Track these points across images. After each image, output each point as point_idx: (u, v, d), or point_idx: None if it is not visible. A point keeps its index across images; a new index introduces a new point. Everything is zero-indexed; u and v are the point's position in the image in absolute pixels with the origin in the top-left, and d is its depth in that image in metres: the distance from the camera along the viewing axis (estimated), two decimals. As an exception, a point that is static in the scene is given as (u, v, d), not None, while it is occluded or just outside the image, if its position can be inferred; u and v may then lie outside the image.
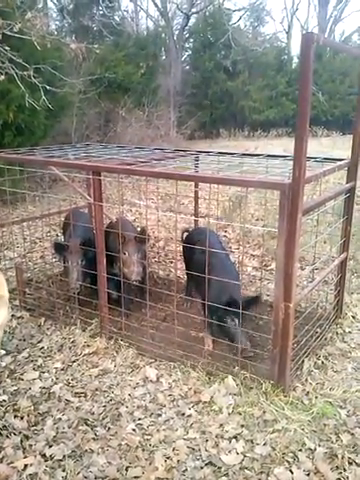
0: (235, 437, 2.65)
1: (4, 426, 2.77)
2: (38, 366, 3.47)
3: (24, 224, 6.62)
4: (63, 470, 2.45)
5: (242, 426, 2.73)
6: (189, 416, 2.85)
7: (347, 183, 3.66)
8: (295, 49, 24.62)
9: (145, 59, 16.00)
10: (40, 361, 3.52)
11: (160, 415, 2.88)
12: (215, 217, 6.12)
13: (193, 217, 4.91)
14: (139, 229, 4.36)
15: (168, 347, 3.46)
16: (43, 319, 4.12)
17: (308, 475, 2.36)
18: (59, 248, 4.23)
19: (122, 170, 3.29)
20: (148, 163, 3.50)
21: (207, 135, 21.01)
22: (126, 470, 2.46)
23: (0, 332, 3.45)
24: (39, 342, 3.80)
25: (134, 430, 2.74)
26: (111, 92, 14.35)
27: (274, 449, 2.54)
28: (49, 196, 4.96)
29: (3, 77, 7.16)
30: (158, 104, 16.90)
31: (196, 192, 4.67)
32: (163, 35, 18.90)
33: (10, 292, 4.45)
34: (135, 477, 2.39)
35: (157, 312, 4.06)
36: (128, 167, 3.27)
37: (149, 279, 4.84)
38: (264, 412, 2.81)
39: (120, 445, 2.63)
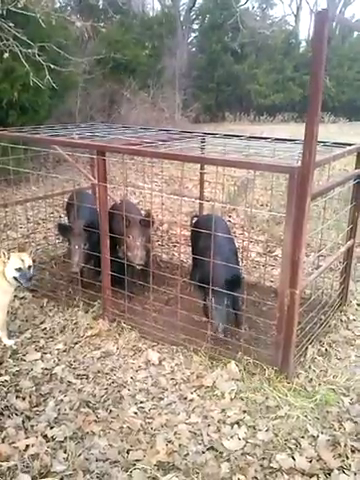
0: (237, 423, 2.64)
1: (6, 406, 2.76)
2: (40, 347, 3.45)
3: (27, 205, 6.58)
4: (64, 451, 2.44)
5: (244, 412, 2.72)
6: (191, 400, 2.84)
7: (356, 168, 3.60)
8: (303, 33, 24.32)
9: (151, 40, 15.78)
10: (42, 342, 3.51)
11: (162, 399, 2.87)
12: (220, 201, 6.04)
13: (198, 201, 4.84)
14: (144, 212, 4.31)
15: (171, 331, 3.43)
16: (46, 300, 4.11)
17: (310, 462, 2.35)
18: (63, 230, 4.19)
19: (128, 150, 3.23)
20: (154, 144, 3.44)
21: (212, 118, 20.79)
22: (127, 453, 2.45)
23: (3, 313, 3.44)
24: (41, 323, 3.79)
25: (136, 413, 2.73)
26: (116, 73, 14.17)
27: (276, 435, 2.53)
28: (53, 176, 4.92)
29: (7, 55, 7.05)
30: (163, 86, 16.71)
31: (201, 175, 4.60)
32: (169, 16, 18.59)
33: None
34: (136, 460, 2.38)
35: (160, 295, 4.03)
36: (134, 148, 3.21)
37: (153, 263, 4.82)
38: (267, 398, 2.80)
39: (122, 428, 2.62)
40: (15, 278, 3.26)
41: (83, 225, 4.01)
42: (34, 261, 4.78)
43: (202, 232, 3.42)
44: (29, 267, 3.30)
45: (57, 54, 8.20)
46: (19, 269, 3.25)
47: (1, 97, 7.81)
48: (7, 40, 7.32)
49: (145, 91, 15.33)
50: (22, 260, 3.27)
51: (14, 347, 3.43)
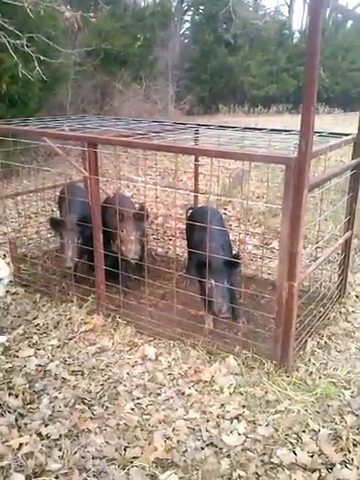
0: (237, 417, 2.59)
1: (-1, 404, 2.70)
2: (33, 343, 3.39)
3: (18, 198, 6.48)
4: (59, 449, 2.38)
5: (244, 406, 2.66)
6: (189, 396, 2.78)
7: (353, 159, 3.54)
8: (297, 24, 24.14)
9: (142, 31, 15.60)
10: (35, 338, 3.44)
11: (159, 394, 2.81)
12: (215, 194, 5.97)
13: (192, 193, 4.77)
14: (138, 206, 4.23)
15: (167, 325, 3.37)
16: (39, 295, 4.03)
17: (312, 457, 2.30)
18: (55, 224, 4.10)
19: (119, 142, 3.15)
20: (146, 136, 3.36)
21: (206, 111, 20.64)
22: (124, 450, 2.39)
23: None
24: (34, 319, 3.72)
25: (133, 409, 2.67)
26: (107, 64, 14.01)
27: (277, 430, 2.48)
28: (44, 170, 4.82)
29: (-6, 45, 6.91)
30: (156, 78, 16.55)
31: (196, 167, 4.53)
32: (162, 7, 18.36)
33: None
34: (134, 457, 2.33)
35: (156, 289, 3.96)
36: (125, 139, 3.13)
37: (147, 256, 4.75)
38: (266, 392, 2.75)
39: (118, 425, 2.56)
40: None
41: (76, 219, 3.93)
42: (26, 256, 4.75)
43: (197, 224, 3.35)
44: None
45: (46, 45, 8.06)
46: None
47: (-11, 90, 7.68)
48: (-6, 30, 7.17)
49: (137, 83, 15.17)
50: None
51: (6, 344, 3.35)
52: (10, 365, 3.11)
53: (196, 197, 4.66)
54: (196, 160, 4.49)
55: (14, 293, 4.11)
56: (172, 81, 18.25)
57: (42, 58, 7.47)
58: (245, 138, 3.75)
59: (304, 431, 2.46)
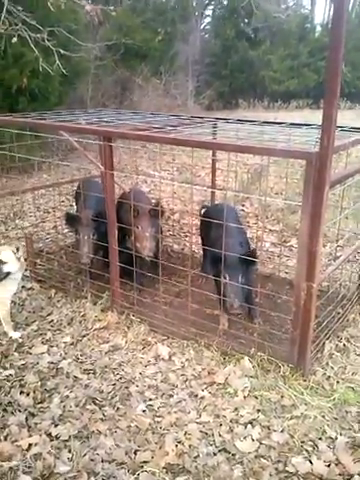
0: (251, 422, 2.50)
1: (9, 402, 2.66)
2: (47, 340, 3.36)
3: (37, 193, 6.48)
4: (69, 451, 2.33)
5: (258, 411, 2.58)
6: (202, 398, 2.71)
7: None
8: (319, 17, 23.66)
9: (163, 25, 15.48)
10: (49, 335, 3.41)
11: (172, 396, 2.74)
12: (233, 190, 5.87)
13: (210, 189, 4.68)
14: (154, 201, 4.16)
15: (181, 324, 3.30)
16: (53, 291, 4.00)
17: (328, 466, 2.21)
18: (70, 220, 4.05)
19: (134, 136, 3.08)
20: (162, 129, 3.28)
21: (225, 105, 20.44)
22: (135, 454, 2.33)
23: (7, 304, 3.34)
24: (49, 315, 3.69)
25: (144, 411, 2.61)
26: (128, 59, 13.97)
27: (292, 437, 2.39)
28: (63, 164, 4.78)
29: (15, 39, 6.90)
30: (175, 73, 16.44)
31: (213, 162, 4.43)
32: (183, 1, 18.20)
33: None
34: (144, 462, 2.26)
35: (171, 287, 3.89)
36: (141, 133, 3.06)
37: (163, 253, 4.68)
38: (282, 397, 2.66)
39: (129, 427, 2.51)
40: None
41: (91, 215, 3.88)
42: (41, 251, 4.73)
43: (212, 222, 3.27)
44: (0, 262, 3.11)
45: (67, 39, 8.04)
46: None
47: (10, 83, 7.70)
48: (16, 25, 7.15)
49: (157, 78, 15.08)
50: None
51: (20, 340, 3.33)
52: (23, 362, 3.08)
53: (213, 193, 4.57)
54: (213, 155, 4.40)
55: (29, 288, 4.10)
56: (192, 76, 18.10)
57: (62, 52, 7.43)
58: (264, 132, 3.64)
59: (321, 438, 2.37)
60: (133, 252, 3.51)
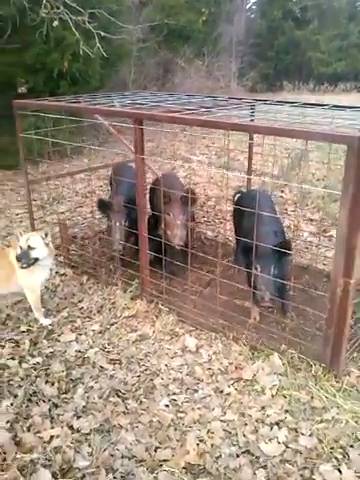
0: (277, 423, 2.38)
1: (34, 392, 2.65)
2: (76, 327, 3.33)
3: (75, 178, 6.49)
4: (89, 445, 2.29)
5: (286, 411, 2.45)
6: (228, 394, 2.61)
7: None
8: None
9: (207, 5, 15.11)
10: (79, 322, 3.38)
11: (196, 391, 2.65)
12: (271, 175, 5.66)
13: (246, 175, 4.51)
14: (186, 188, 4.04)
15: (210, 315, 3.19)
16: (86, 278, 3.98)
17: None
18: (103, 206, 3.99)
19: (164, 117, 2.96)
20: (195, 111, 3.14)
21: (269, 88, 19.93)
22: (155, 451, 2.26)
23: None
24: (79, 302, 3.67)
25: (167, 406, 2.54)
26: (171, 41, 13.77)
27: (321, 442, 2.26)
28: (94, 148, 4.71)
29: (57, 23, 6.87)
30: (219, 54, 16.10)
31: (250, 146, 4.25)
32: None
33: (55, 249, 4.35)
34: (164, 460, 2.19)
35: (202, 276, 3.79)
36: (171, 115, 2.94)
37: (196, 240, 4.57)
38: (312, 398, 2.51)
39: (151, 422, 2.44)
40: (16, 256, 3.09)
41: (123, 201, 3.80)
42: (74, 237, 4.72)
43: (244, 210, 3.12)
44: (29, 247, 3.08)
45: (108, 21, 7.94)
46: (20, 247, 3.10)
47: (52, 67, 7.68)
48: (57, 8, 7.11)
49: (200, 59, 14.81)
50: (27, 239, 3.10)
51: (50, 327, 3.32)
52: (51, 350, 3.06)
53: (249, 179, 4.40)
54: (250, 138, 4.22)
55: (63, 274, 4.09)
56: (236, 57, 17.69)
57: (103, 34, 7.34)
58: (305, 114, 3.44)
59: (352, 446, 2.22)
60: (163, 240, 3.41)
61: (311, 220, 5.13)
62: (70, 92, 7.95)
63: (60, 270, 4.13)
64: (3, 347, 3.06)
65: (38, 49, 7.32)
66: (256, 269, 2.99)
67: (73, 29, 7.11)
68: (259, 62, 19.68)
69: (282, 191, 5.99)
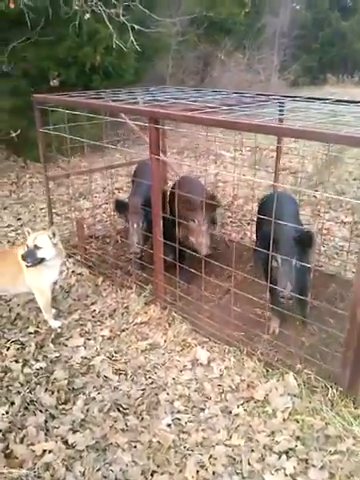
0: (286, 452, 2.18)
1: (32, 400, 2.54)
2: (85, 332, 3.22)
3: (105, 173, 6.39)
4: (81, 464, 2.16)
5: (297, 438, 2.25)
6: (236, 416, 2.42)
7: None
8: None
9: (250, -3, 14.73)
10: (89, 326, 3.27)
11: (203, 410, 2.48)
12: (304, 174, 5.37)
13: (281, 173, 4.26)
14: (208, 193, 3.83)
15: (225, 327, 3.00)
16: (101, 279, 3.86)
17: None
18: (121, 207, 3.82)
19: (180, 117, 2.78)
20: (216, 109, 2.94)
21: (312, 81, 19.28)
22: (151, 475, 2.11)
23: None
24: (92, 304, 3.56)
25: (169, 425, 2.38)
26: (211, 34, 13.47)
27: (333, 476, 2.05)
28: (115, 148, 4.57)
29: (88, 15, 6.76)
30: (261, 47, 15.66)
31: (278, 147, 4.01)
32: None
33: (74, 247, 4.27)
34: (159, 486, 2.04)
35: (223, 281, 3.59)
36: (186, 114, 2.75)
37: (220, 243, 4.38)
38: (327, 424, 2.29)
39: (151, 442, 2.29)
40: (21, 255, 2.98)
41: (141, 202, 3.64)
42: (91, 236, 4.60)
43: (265, 213, 2.91)
44: (35, 247, 2.97)
45: (143, 14, 7.78)
46: (27, 246, 2.99)
47: (84, 61, 7.60)
48: (91, 0, 7.02)
49: (240, 52, 14.44)
50: (34, 238, 2.98)
51: (59, 330, 3.22)
52: (57, 354, 2.96)
53: (276, 179, 4.16)
54: (279, 139, 3.98)
55: (79, 274, 4.00)
56: (278, 50, 17.16)
57: (136, 27, 7.19)
58: (336, 113, 3.17)
59: (368, 484, 2.00)
60: (177, 245, 3.23)
61: (344, 223, 4.82)
62: (102, 86, 7.84)
63: (77, 269, 4.04)
64: (8, 349, 2.98)
65: (70, 42, 7.24)
66: (276, 262, 2.78)
67: (107, 22, 7.00)
68: (302, 54, 19.05)
69: (316, 190, 5.68)
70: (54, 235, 3.03)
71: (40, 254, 2.97)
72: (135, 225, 3.69)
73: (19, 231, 4.92)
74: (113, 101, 3.61)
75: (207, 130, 3.01)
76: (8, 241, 4.72)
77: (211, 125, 2.67)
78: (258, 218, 3.47)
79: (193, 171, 6.38)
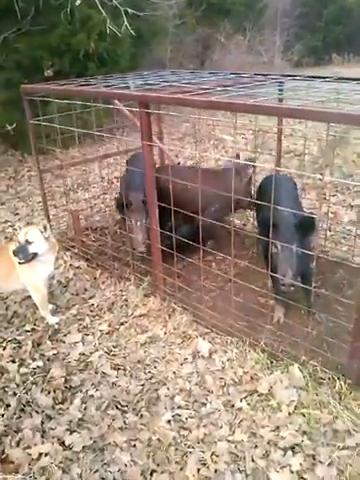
0: (292, 448, 2.08)
1: (28, 401, 2.45)
2: (84, 327, 3.13)
3: (104, 162, 6.27)
4: (79, 466, 2.07)
5: (304, 433, 2.14)
6: (239, 410, 2.32)
7: None
8: None
9: (250, -25, 14.40)
10: (87, 321, 3.18)
11: (204, 404, 2.38)
12: (310, 156, 5.20)
13: (286, 155, 4.12)
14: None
15: (227, 317, 2.89)
16: (99, 271, 3.76)
17: None
18: (123, 207, 3.57)
19: (170, 99, 2.64)
20: (209, 91, 2.80)
21: (317, 62, 18.84)
22: (151, 475, 2.02)
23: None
24: (91, 298, 3.46)
25: (169, 422, 2.28)
26: (210, 16, 13.20)
27: (341, 473, 1.94)
28: (102, 135, 4.43)
29: (79, 1, 6.58)
30: (262, 27, 15.31)
31: (279, 129, 3.86)
32: None
33: (71, 240, 4.16)
34: (159, 487, 1.94)
35: (225, 270, 3.47)
36: (177, 96, 2.62)
37: (220, 229, 4.24)
38: (335, 418, 2.18)
39: (150, 439, 2.19)
40: (12, 251, 2.86)
41: (143, 196, 3.42)
42: (87, 229, 4.48)
43: (263, 198, 2.78)
44: (27, 242, 2.85)
45: (139, -2, 7.60)
46: (18, 242, 2.88)
47: (78, 48, 7.41)
48: (82, -15, 6.82)
49: (241, 34, 14.14)
50: (25, 233, 2.87)
51: (56, 326, 3.13)
52: (54, 352, 2.87)
53: (278, 162, 4.01)
54: (279, 121, 3.82)
55: (77, 267, 3.90)
56: (281, 30, 16.78)
57: (130, 11, 6.99)
58: (339, 91, 3.02)
59: (378, 481, 1.89)
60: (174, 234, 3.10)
61: (352, 207, 4.66)
62: (98, 73, 7.65)
63: (74, 263, 3.94)
64: (4, 348, 2.89)
65: (62, 30, 7.05)
66: (276, 248, 2.66)
67: (99, 7, 6.81)
68: (306, 34, 18.59)
69: (322, 173, 5.50)
70: (45, 229, 2.92)
71: (32, 249, 2.86)
72: (139, 222, 3.54)
73: (16, 226, 4.82)
74: (104, 87, 3.48)
75: (206, 114, 2.88)
76: (6, 237, 4.62)
77: (204, 107, 2.52)
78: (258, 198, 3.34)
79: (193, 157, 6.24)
